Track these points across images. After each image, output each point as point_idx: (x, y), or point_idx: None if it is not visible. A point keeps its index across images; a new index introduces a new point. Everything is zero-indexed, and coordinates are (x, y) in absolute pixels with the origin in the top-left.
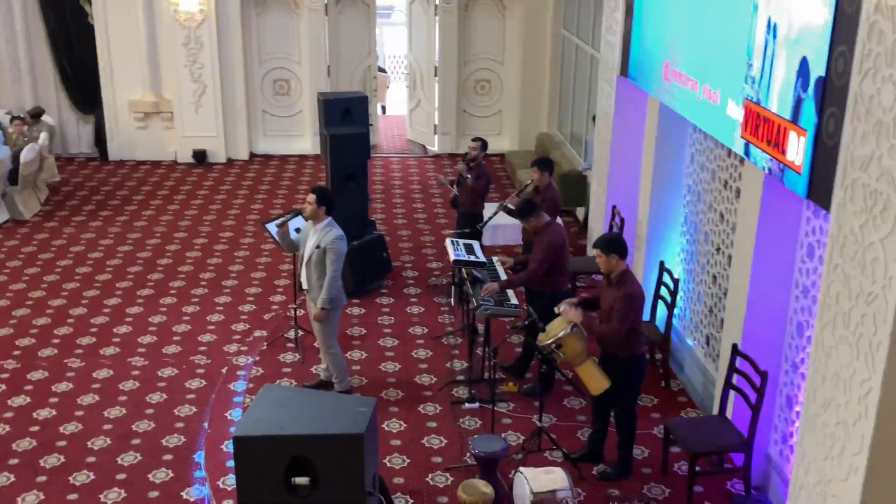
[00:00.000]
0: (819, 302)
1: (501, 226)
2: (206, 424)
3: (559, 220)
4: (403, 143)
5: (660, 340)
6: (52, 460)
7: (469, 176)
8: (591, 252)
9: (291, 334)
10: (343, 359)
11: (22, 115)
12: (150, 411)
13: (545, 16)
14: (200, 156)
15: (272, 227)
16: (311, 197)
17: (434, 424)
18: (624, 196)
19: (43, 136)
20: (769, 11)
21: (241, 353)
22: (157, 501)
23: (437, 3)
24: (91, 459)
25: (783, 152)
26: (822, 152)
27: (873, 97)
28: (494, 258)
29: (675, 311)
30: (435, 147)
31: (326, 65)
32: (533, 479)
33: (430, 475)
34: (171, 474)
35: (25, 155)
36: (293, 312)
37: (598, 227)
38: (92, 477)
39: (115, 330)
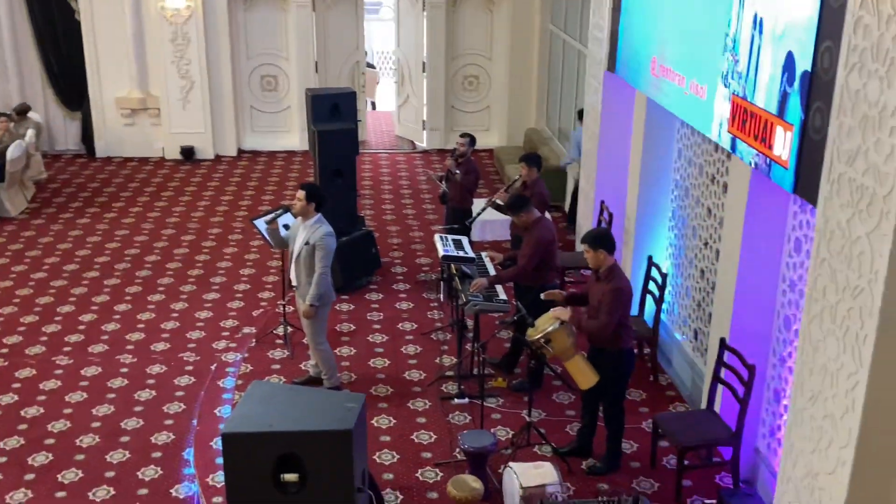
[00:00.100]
0: (806, 296)
1: (490, 221)
2: (194, 421)
3: (547, 214)
4: (392, 139)
5: (648, 335)
6: (40, 458)
7: (457, 171)
8: (580, 247)
9: (280, 331)
10: (332, 355)
11: (8, 112)
12: (138, 408)
13: (533, 11)
14: (188, 152)
15: (261, 224)
16: (301, 193)
17: (423, 420)
18: (612, 191)
19: (29, 133)
20: (755, 6)
21: (230, 349)
22: (146, 499)
23: None
24: (79, 457)
25: (770, 147)
26: (808, 147)
27: (859, 91)
28: (483, 254)
29: (664, 305)
30: (423, 143)
31: (314, 60)
32: (522, 473)
33: (419, 471)
34: (160, 471)
35: (12, 152)
36: (282, 309)
37: (586, 222)
38: (80, 475)
39: (103, 327)
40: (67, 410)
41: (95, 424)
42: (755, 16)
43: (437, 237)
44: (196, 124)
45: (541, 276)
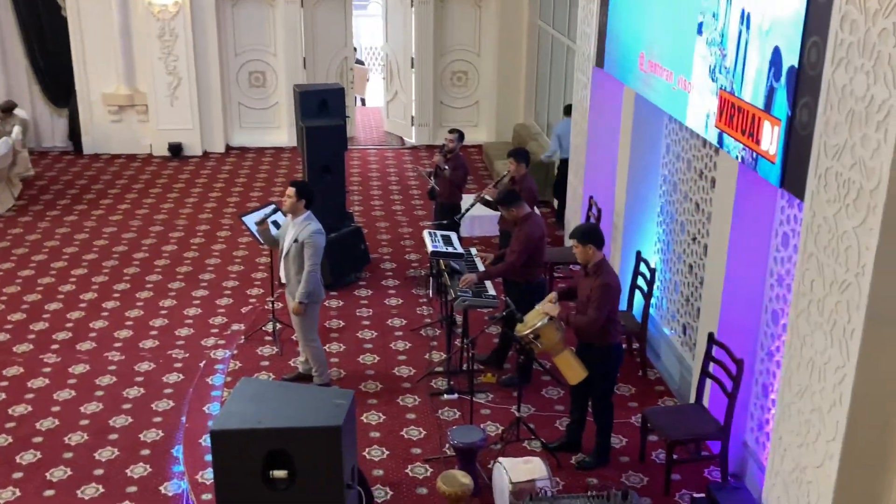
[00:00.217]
0: (793, 290)
1: (479, 217)
2: (183, 419)
3: (536, 210)
4: (381, 135)
5: (637, 330)
6: (28, 456)
7: (446, 167)
8: (569, 242)
9: (269, 327)
10: (323, 352)
11: None
12: (127, 406)
13: (521, 7)
14: (176, 149)
15: (250, 220)
16: (291, 190)
17: (413, 416)
18: (601, 187)
19: (16, 130)
20: (742, 2)
21: (219, 346)
22: (135, 496)
23: None
24: (68, 455)
25: (757, 142)
26: (795, 141)
27: (846, 87)
28: (472, 249)
29: (652, 300)
30: (412, 139)
31: (302, 56)
32: (512, 469)
33: (409, 467)
34: (149, 469)
35: None
36: (271, 306)
37: (575, 217)
38: (69, 473)
39: (91, 325)
40: (55, 408)
41: (84, 422)
42: (743, 11)
43: (426, 233)
44: (184, 121)
45: (528, 271)
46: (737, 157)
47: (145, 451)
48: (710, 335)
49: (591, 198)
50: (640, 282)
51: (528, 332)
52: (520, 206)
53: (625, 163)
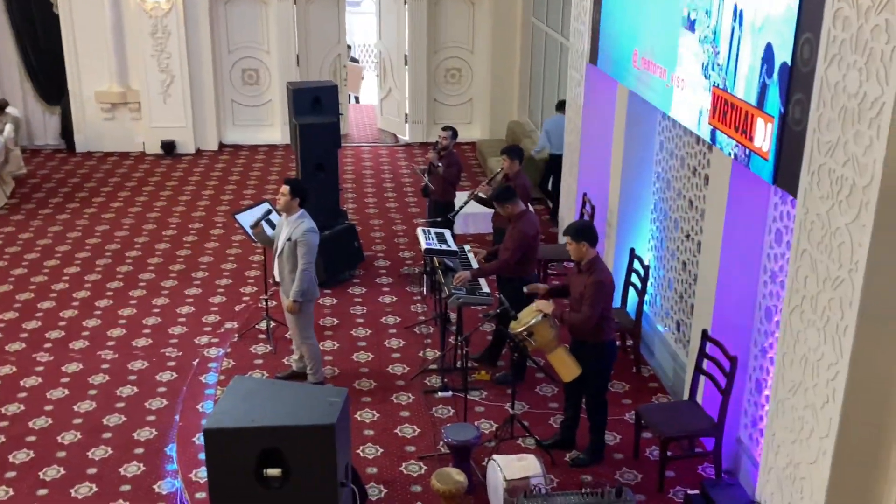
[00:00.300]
0: (787, 287)
1: (472, 214)
2: (177, 417)
3: (530, 207)
4: (374, 133)
5: (631, 327)
6: (21, 456)
7: (440, 164)
8: (562, 240)
9: (263, 325)
10: (319, 349)
11: None
12: (120, 405)
13: (514, 4)
14: (169, 146)
15: (243, 218)
16: (285, 188)
17: (407, 414)
18: (594, 184)
19: (8, 128)
20: None
21: (212, 345)
22: (129, 495)
23: None
24: (61, 454)
25: (751, 139)
26: (788, 138)
27: (839, 83)
28: (466, 247)
29: (646, 297)
30: (406, 136)
31: (295, 54)
32: (506, 466)
33: (403, 464)
34: (143, 468)
35: None
36: (265, 304)
37: (568, 214)
38: (62, 472)
39: (84, 323)
40: (48, 407)
41: (77, 421)
42: (735, 7)
43: (419, 230)
44: (177, 118)
45: (522, 268)
46: (730, 154)
47: (139, 450)
48: (704, 332)
49: (584, 195)
50: (634, 279)
51: (521, 329)
52: (514, 203)
53: (618, 160)
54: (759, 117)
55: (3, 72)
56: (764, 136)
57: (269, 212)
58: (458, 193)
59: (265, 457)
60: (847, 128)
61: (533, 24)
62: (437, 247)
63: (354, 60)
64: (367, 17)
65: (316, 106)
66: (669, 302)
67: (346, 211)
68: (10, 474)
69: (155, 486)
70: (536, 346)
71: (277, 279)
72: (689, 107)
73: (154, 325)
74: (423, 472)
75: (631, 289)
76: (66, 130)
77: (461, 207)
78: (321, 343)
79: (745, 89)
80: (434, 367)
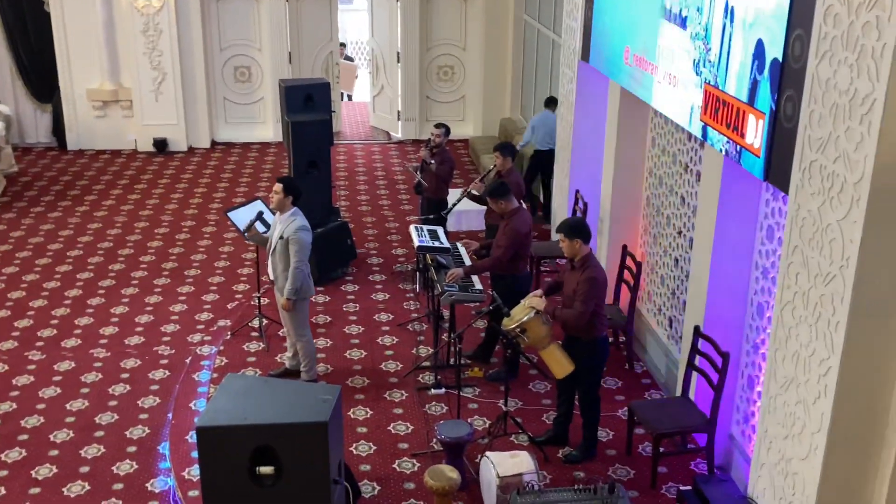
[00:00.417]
0: (778, 283)
1: (465, 212)
2: (170, 415)
3: (524, 204)
4: (367, 130)
5: (623, 323)
6: (13, 454)
7: (432, 162)
8: (555, 237)
9: (256, 323)
10: (314, 347)
11: None
12: (113, 403)
13: (507, 1)
14: (161, 144)
15: (235, 216)
16: (278, 186)
17: (400, 411)
18: (587, 181)
19: None
20: None
21: (205, 342)
22: (122, 493)
23: None
24: (54, 453)
25: (742, 135)
26: (779, 135)
27: (830, 80)
28: (459, 244)
29: (638, 293)
30: (398, 133)
31: (288, 51)
32: (499, 463)
33: (396, 461)
34: (136, 466)
35: None
36: (257, 301)
37: (561, 211)
38: (55, 470)
39: (76, 321)
40: (41, 406)
41: (69, 419)
42: (726, 4)
43: (412, 228)
44: (169, 116)
45: (514, 265)
46: (721, 151)
47: (131, 448)
48: (696, 328)
49: (577, 191)
50: (627, 275)
51: (514, 326)
52: (508, 200)
53: (611, 157)
54: (750, 114)
55: None
56: (755, 132)
57: (261, 213)
58: (450, 191)
59: (258, 454)
60: (838, 124)
61: (525, 21)
62: (430, 244)
63: (349, 59)
64: (359, 15)
65: (308, 103)
66: (662, 298)
67: (338, 208)
68: (3, 473)
69: (148, 485)
70: (529, 343)
71: (272, 277)
72: (681, 103)
73: (147, 324)
74: (416, 469)
75: (623, 285)
76: (58, 128)
77: (454, 204)
78: (314, 340)
79: (736, 86)
80: (427, 364)
